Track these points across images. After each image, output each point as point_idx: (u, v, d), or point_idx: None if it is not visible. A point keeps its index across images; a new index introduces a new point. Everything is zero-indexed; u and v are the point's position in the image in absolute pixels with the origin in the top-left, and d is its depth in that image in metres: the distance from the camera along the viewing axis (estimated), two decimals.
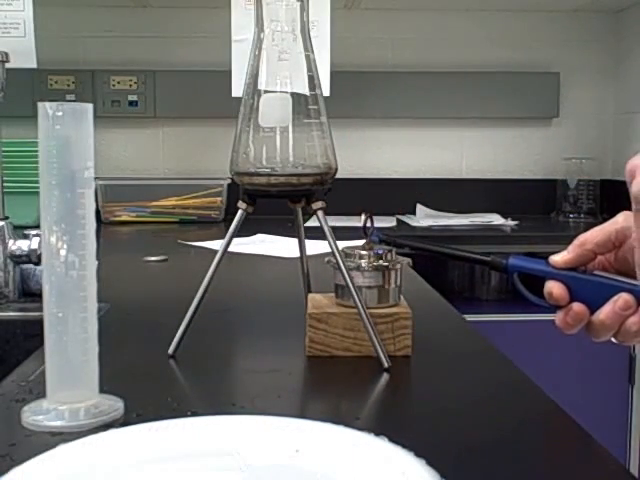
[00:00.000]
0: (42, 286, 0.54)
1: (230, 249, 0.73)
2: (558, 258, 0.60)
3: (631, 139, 2.35)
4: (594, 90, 2.45)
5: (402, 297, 0.75)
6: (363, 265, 0.73)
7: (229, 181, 2.09)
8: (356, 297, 0.70)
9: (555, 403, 0.60)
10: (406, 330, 0.72)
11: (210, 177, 2.19)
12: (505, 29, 2.41)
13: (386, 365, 0.68)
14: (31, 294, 1.05)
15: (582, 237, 0.61)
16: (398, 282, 0.74)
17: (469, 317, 0.97)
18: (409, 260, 0.76)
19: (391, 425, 0.56)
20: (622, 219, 0.62)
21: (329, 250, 0.71)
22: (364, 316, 0.70)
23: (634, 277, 0.56)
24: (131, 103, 2.32)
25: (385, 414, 0.58)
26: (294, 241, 0.77)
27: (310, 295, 0.77)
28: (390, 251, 0.75)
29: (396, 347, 0.72)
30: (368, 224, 0.74)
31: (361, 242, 0.76)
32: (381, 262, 0.73)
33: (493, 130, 2.44)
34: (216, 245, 1.38)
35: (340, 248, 0.72)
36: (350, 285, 0.70)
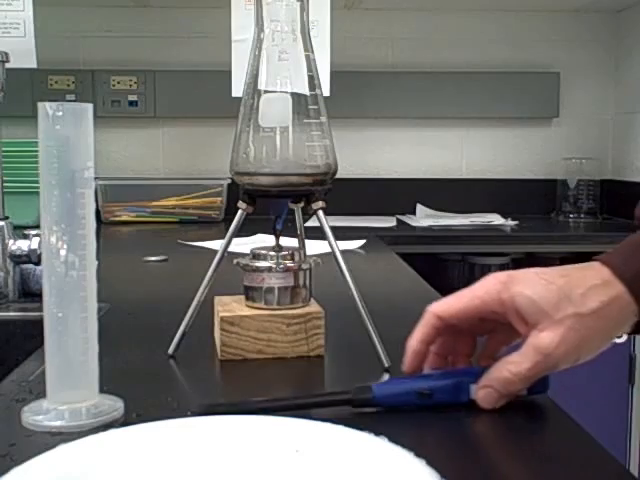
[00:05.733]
0: (42, 286, 0.54)
1: (230, 249, 0.73)
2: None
3: (631, 139, 2.35)
4: (594, 90, 2.45)
5: (312, 297, 0.75)
6: (274, 266, 0.72)
7: (229, 181, 2.09)
8: (358, 300, 0.70)
9: (554, 402, 0.60)
10: (319, 330, 0.72)
11: (210, 177, 2.19)
12: (505, 29, 2.41)
13: (386, 365, 0.68)
14: (31, 294, 1.05)
15: (436, 310, 0.60)
16: (308, 282, 0.74)
17: None
18: (319, 260, 0.75)
19: (391, 425, 0.56)
20: (483, 292, 0.58)
21: (329, 250, 0.71)
22: (365, 317, 0.70)
23: None
24: (131, 103, 2.32)
25: (385, 414, 0.58)
26: (294, 241, 0.76)
27: (217, 297, 0.76)
28: (299, 251, 0.74)
29: (309, 347, 0.72)
30: (278, 225, 0.73)
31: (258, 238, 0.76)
32: (291, 263, 0.72)
33: (493, 130, 2.44)
34: (216, 245, 1.38)
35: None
36: (354, 291, 0.70)
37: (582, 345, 0.55)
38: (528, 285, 0.56)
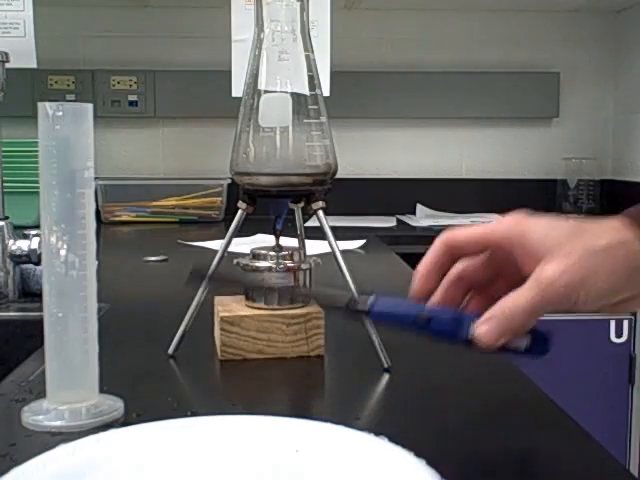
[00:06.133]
0: (42, 286, 0.54)
1: (230, 249, 0.73)
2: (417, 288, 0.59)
3: (631, 139, 2.35)
4: (594, 90, 2.45)
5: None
6: (274, 266, 0.72)
7: (229, 181, 2.09)
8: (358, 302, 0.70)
9: (554, 403, 0.60)
10: (319, 330, 0.72)
11: (210, 177, 2.19)
12: (505, 29, 2.41)
13: (386, 365, 0.68)
14: (31, 294, 1.05)
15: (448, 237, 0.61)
16: (308, 282, 0.74)
17: None
18: (319, 260, 0.75)
19: (391, 425, 0.56)
20: (494, 226, 0.58)
21: (329, 250, 0.71)
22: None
23: None
24: (131, 103, 2.32)
25: (385, 414, 0.58)
26: (294, 241, 0.76)
27: (217, 298, 0.76)
28: (299, 251, 0.74)
29: (309, 347, 0.72)
30: (278, 225, 0.73)
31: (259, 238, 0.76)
32: (291, 263, 0.72)
33: (493, 130, 2.44)
34: (216, 245, 1.38)
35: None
36: (354, 291, 0.70)
37: (585, 282, 0.53)
38: (540, 222, 0.56)
